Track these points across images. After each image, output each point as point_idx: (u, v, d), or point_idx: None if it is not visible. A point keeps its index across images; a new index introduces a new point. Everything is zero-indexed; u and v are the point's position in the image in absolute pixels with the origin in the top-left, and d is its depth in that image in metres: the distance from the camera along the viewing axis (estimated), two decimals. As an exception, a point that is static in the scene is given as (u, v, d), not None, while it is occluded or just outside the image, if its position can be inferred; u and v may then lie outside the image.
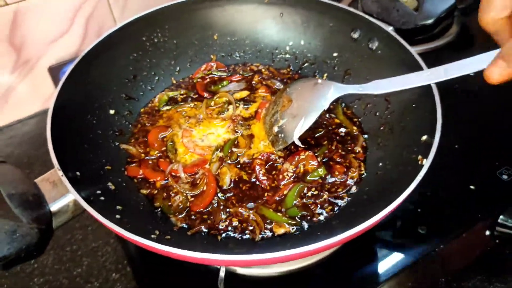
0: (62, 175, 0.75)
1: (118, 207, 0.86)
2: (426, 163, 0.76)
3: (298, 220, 0.92)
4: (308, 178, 0.98)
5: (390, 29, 0.97)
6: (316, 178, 0.98)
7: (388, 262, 0.98)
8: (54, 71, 1.40)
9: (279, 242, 0.88)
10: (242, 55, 1.27)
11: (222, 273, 0.87)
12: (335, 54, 1.16)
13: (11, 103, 1.41)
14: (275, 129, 0.99)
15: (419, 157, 0.81)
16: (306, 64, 1.22)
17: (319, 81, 1.00)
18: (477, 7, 0.74)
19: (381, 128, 1.03)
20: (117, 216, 0.80)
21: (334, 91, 0.95)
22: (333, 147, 1.04)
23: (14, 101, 1.41)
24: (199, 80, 1.23)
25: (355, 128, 1.09)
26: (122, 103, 1.11)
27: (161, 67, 1.20)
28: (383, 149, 0.99)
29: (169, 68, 1.21)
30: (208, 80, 1.23)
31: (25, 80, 1.40)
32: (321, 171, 0.98)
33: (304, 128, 0.95)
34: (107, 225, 0.71)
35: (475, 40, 1.50)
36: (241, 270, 0.95)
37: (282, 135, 0.98)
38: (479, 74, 0.75)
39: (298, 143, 0.97)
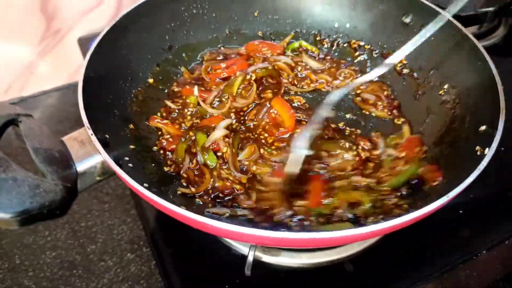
0: (91, 134, 0.70)
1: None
2: (489, 152, 0.72)
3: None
4: None
5: (447, 14, 0.92)
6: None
7: (424, 264, 0.92)
8: (84, 43, 1.36)
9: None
10: (282, 35, 1.22)
11: (250, 257, 0.81)
12: (383, 40, 1.12)
13: (36, 74, 1.38)
14: None
15: (478, 147, 0.77)
16: (349, 48, 1.18)
17: None
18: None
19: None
20: (145, 185, 0.74)
21: None
22: None
23: (40, 72, 1.38)
24: None
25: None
26: (156, 71, 1.07)
27: (197, 40, 1.15)
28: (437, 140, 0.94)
29: (206, 41, 1.17)
30: None
31: (53, 51, 1.37)
32: None
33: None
34: (138, 190, 0.67)
35: (525, 44, 1.44)
36: (266, 258, 0.90)
37: None
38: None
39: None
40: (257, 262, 0.88)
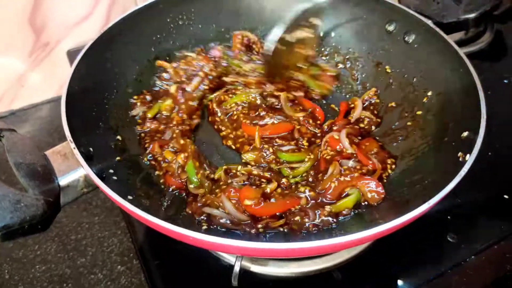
0: (74, 148, 0.70)
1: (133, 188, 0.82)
2: (471, 158, 0.72)
3: None
4: None
5: (429, 22, 0.93)
6: None
7: (413, 271, 0.91)
8: (73, 55, 1.36)
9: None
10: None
11: (237, 268, 0.81)
12: (367, 47, 1.13)
13: (26, 87, 1.38)
14: None
15: (460, 153, 0.77)
16: (335, 56, 1.18)
17: None
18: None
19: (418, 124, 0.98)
20: (129, 197, 0.74)
21: None
22: None
23: (30, 85, 1.38)
24: None
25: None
26: (142, 82, 1.08)
27: (183, 51, 1.15)
28: (420, 145, 0.94)
29: (192, 52, 1.16)
30: None
31: (42, 64, 1.37)
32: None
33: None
34: (119, 202, 0.66)
35: (510, 48, 1.45)
36: (255, 268, 0.89)
37: None
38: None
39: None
40: (245, 272, 0.88)
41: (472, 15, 1.04)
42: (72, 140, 0.72)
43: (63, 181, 0.71)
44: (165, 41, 1.13)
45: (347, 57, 1.17)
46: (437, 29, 0.96)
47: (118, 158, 0.88)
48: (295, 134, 1.01)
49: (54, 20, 1.31)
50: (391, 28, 1.07)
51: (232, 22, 1.20)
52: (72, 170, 0.72)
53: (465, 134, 0.81)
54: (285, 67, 1.06)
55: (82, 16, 1.34)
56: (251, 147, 0.99)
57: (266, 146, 0.97)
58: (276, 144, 0.98)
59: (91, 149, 0.79)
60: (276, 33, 0.97)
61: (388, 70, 1.09)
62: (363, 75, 1.14)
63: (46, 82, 1.40)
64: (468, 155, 0.74)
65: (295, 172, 0.94)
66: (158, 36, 1.12)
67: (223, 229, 0.81)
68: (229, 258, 0.90)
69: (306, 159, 0.95)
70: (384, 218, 0.70)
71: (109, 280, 0.95)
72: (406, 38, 1.04)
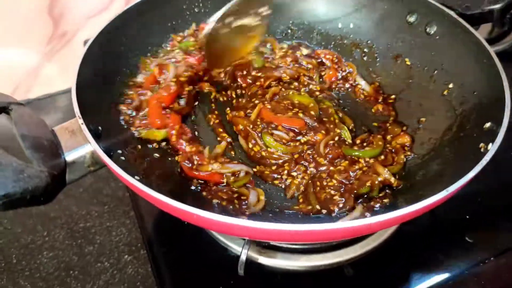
0: (82, 123, 0.69)
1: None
2: (493, 147, 0.69)
3: None
4: None
5: (452, 13, 0.90)
6: None
7: (428, 271, 0.88)
8: (90, 46, 1.37)
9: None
10: (285, 35, 1.21)
11: (243, 256, 0.79)
12: (386, 39, 1.10)
13: (43, 77, 1.39)
14: None
15: (481, 144, 0.75)
16: (353, 48, 1.16)
17: None
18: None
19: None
20: (137, 177, 0.73)
21: None
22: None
23: (47, 75, 1.39)
24: None
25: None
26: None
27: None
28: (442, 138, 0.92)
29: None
30: None
31: (60, 54, 1.38)
32: None
33: None
34: (126, 180, 0.65)
35: (537, 50, 1.40)
36: (263, 260, 0.87)
37: None
38: None
39: None
40: (253, 264, 0.85)
41: (497, 6, 1.01)
42: (80, 116, 0.71)
43: (69, 156, 0.70)
44: (180, 28, 1.12)
45: (365, 50, 1.14)
46: (461, 20, 0.93)
47: (126, 139, 0.87)
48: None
49: (73, 10, 1.32)
50: (412, 19, 1.04)
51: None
52: (79, 146, 0.71)
53: (488, 125, 0.79)
54: (228, 53, 1.04)
55: (101, 6, 1.35)
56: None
57: (259, 122, 0.96)
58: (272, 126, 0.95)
59: (100, 127, 0.79)
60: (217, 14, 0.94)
61: (408, 63, 1.06)
62: (381, 68, 1.12)
63: (63, 72, 1.41)
64: (490, 144, 0.71)
65: None
66: (174, 23, 1.11)
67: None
68: (237, 248, 0.88)
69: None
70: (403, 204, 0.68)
71: (116, 269, 0.94)
72: (428, 30, 1.01)
